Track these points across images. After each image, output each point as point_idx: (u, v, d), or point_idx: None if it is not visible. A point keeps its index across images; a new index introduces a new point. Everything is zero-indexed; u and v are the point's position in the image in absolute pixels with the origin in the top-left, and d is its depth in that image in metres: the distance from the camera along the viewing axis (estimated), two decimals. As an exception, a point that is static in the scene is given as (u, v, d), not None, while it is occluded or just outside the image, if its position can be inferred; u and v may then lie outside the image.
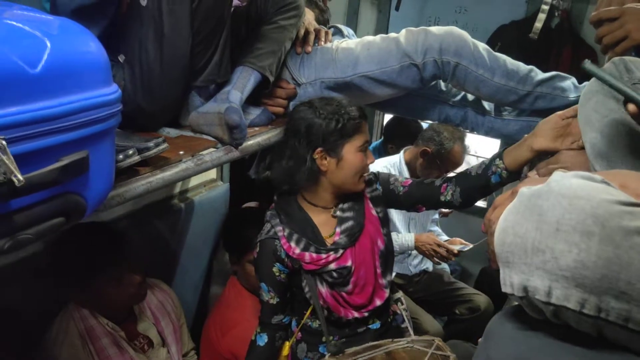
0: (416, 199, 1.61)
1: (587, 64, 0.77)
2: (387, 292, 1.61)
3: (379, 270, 1.59)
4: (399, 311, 1.75)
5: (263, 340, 1.62)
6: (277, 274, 1.56)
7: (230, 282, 2.14)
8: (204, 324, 2.14)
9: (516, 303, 0.68)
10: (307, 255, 1.51)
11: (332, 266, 1.52)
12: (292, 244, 1.52)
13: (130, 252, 1.62)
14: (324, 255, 1.51)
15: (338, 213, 1.57)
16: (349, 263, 1.53)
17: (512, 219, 0.63)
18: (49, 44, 0.75)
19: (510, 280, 0.62)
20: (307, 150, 1.48)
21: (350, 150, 1.47)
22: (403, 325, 1.73)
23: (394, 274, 2.25)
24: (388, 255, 1.63)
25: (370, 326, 1.65)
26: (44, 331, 1.59)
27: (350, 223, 1.55)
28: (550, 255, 0.57)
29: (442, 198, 1.55)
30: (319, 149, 1.47)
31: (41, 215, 0.78)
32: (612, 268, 0.54)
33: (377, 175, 1.66)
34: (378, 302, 1.60)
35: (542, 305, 0.60)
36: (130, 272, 1.60)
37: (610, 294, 0.55)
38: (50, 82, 0.75)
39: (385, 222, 1.65)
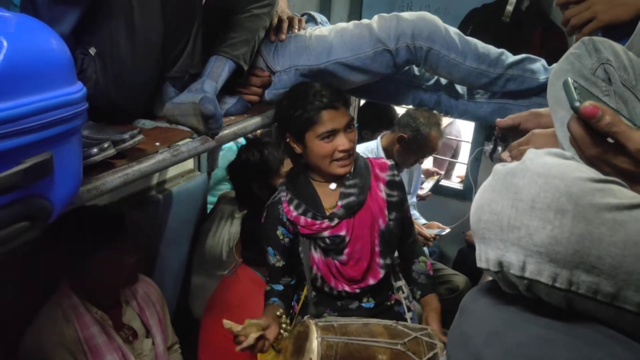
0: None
1: None
2: (382, 273, 1.65)
3: (377, 249, 1.63)
4: (401, 300, 1.77)
5: (279, 287, 1.70)
6: (281, 237, 1.64)
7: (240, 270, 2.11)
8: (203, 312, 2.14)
9: (490, 279, 0.70)
10: (303, 219, 1.59)
11: (326, 233, 1.58)
12: (291, 208, 1.60)
13: (127, 234, 1.65)
14: (318, 222, 1.58)
15: (342, 189, 1.62)
16: (343, 232, 1.58)
17: (487, 196, 0.64)
18: (5, 43, 0.72)
19: (486, 256, 0.64)
20: (281, 133, 1.61)
21: (310, 139, 1.54)
22: (405, 316, 1.75)
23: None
24: (390, 237, 1.66)
25: (363, 304, 1.68)
26: (29, 321, 1.58)
27: (351, 199, 1.60)
28: (525, 232, 0.59)
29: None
30: (288, 134, 1.58)
31: (3, 220, 0.75)
32: (584, 244, 0.56)
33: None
34: (371, 281, 1.64)
35: (516, 280, 0.61)
36: (126, 253, 1.64)
37: (581, 268, 0.57)
38: (8, 82, 0.72)
39: (396, 207, 1.67)
